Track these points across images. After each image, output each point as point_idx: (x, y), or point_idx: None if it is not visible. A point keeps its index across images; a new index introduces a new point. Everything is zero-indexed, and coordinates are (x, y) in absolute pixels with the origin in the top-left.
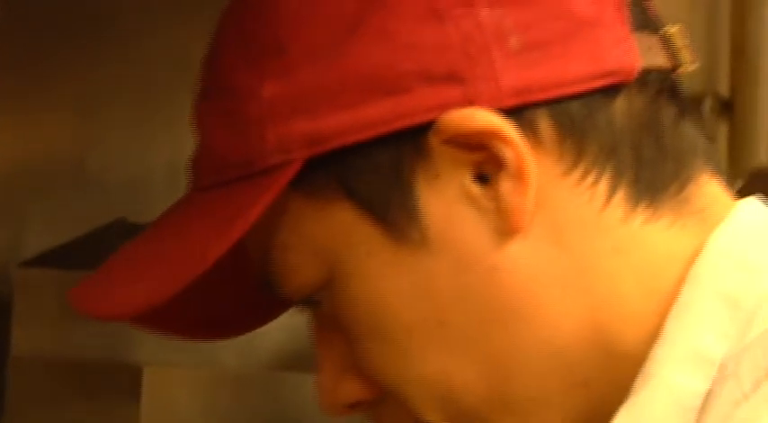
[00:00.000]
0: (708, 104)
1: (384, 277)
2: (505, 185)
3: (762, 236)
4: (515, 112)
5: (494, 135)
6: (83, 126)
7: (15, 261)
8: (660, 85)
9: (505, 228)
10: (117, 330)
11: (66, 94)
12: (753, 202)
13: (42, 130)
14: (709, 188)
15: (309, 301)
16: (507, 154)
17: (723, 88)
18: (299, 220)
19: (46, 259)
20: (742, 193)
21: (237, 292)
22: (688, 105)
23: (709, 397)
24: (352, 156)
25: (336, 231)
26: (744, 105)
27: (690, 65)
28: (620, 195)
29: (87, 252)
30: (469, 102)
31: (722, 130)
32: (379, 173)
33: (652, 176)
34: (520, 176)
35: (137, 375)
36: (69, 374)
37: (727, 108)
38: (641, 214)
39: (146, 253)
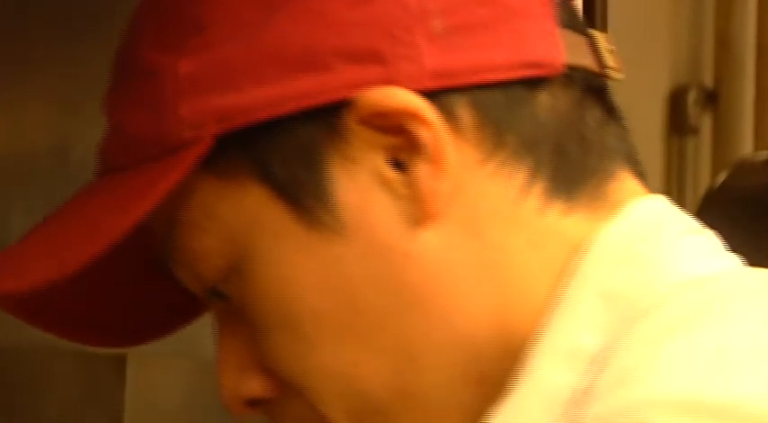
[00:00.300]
0: (692, 96)
1: (294, 263)
2: (421, 169)
3: (653, 231)
4: (435, 96)
5: (413, 116)
6: (67, 118)
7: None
8: (586, 84)
9: (420, 214)
10: None
11: (52, 85)
12: (658, 198)
13: (27, 122)
14: (629, 185)
15: (214, 294)
16: (425, 136)
17: (708, 79)
18: (210, 201)
19: None
20: (727, 184)
21: (146, 299)
22: (614, 109)
23: (585, 390)
24: (267, 135)
25: (247, 214)
26: (728, 96)
27: (617, 72)
28: (538, 188)
29: None
30: (390, 82)
31: (707, 122)
32: (293, 154)
33: (572, 171)
34: (437, 161)
35: (120, 364)
36: (53, 363)
37: (712, 99)
38: (557, 208)
39: (48, 233)
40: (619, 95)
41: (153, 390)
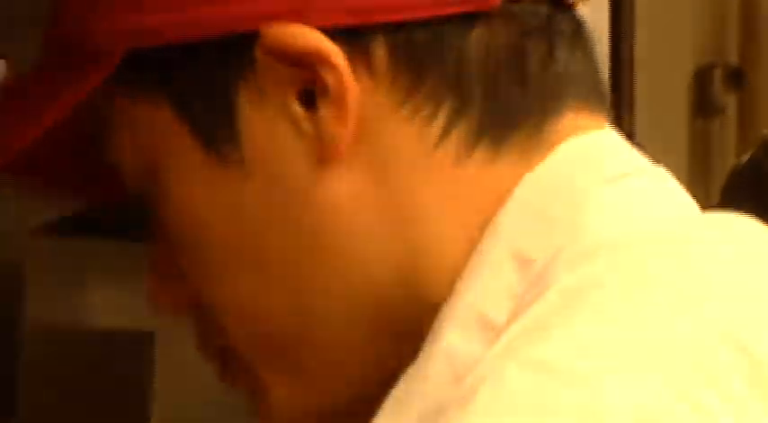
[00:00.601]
0: (718, 74)
1: (199, 191)
2: (326, 112)
3: (572, 178)
4: (349, 34)
5: (317, 57)
6: None
7: (27, 229)
8: (532, 17)
9: (323, 156)
10: (130, 296)
11: None
12: (593, 134)
13: None
14: (574, 124)
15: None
16: (329, 79)
17: (733, 58)
18: (127, 115)
19: (57, 227)
20: (752, 162)
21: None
22: (576, 37)
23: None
24: (179, 60)
25: (157, 135)
26: (754, 75)
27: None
28: (458, 133)
29: (99, 220)
30: (300, 15)
31: (732, 100)
32: (202, 82)
33: (504, 114)
34: (340, 105)
35: (150, 341)
36: (83, 341)
37: (737, 78)
38: (482, 154)
39: None
40: (644, 76)
41: (182, 366)
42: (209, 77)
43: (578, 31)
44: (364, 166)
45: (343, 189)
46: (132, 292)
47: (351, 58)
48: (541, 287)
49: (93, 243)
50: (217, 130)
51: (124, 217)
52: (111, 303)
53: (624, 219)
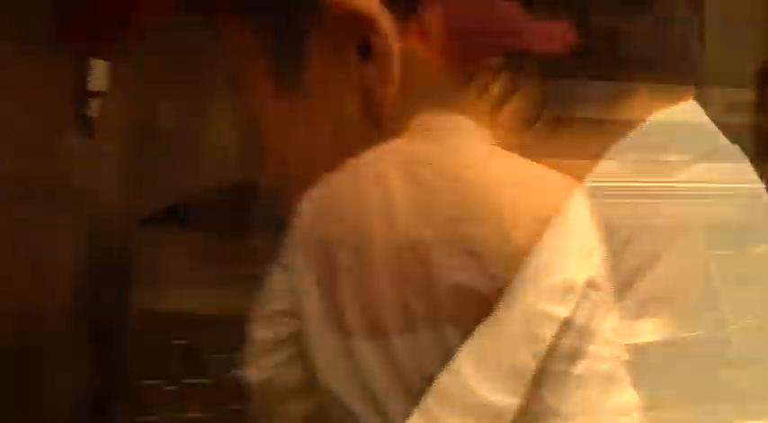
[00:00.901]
0: None
1: (264, 107)
2: (372, 70)
3: (656, 154)
4: None
5: (366, 21)
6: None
7: (135, 220)
8: None
9: (370, 111)
10: (231, 284)
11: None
12: (674, 109)
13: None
14: (650, 104)
15: None
16: (376, 42)
17: None
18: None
19: (163, 218)
20: None
21: None
22: (656, 16)
23: (571, 322)
24: None
25: (244, 51)
26: None
27: None
28: (512, 108)
29: (204, 212)
30: None
31: None
32: (283, 17)
33: (566, 92)
34: (385, 68)
35: (240, 326)
36: (186, 328)
37: None
38: (538, 128)
39: None
40: (708, 73)
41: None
42: (290, 16)
43: (662, 11)
44: (412, 124)
45: (396, 142)
46: (234, 281)
47: (403, 22)
48: (628, 257)
49: (192, 235)
50: (288, 63)
51: (218, 211)
52: (207, 292)
53: (708, 199)
